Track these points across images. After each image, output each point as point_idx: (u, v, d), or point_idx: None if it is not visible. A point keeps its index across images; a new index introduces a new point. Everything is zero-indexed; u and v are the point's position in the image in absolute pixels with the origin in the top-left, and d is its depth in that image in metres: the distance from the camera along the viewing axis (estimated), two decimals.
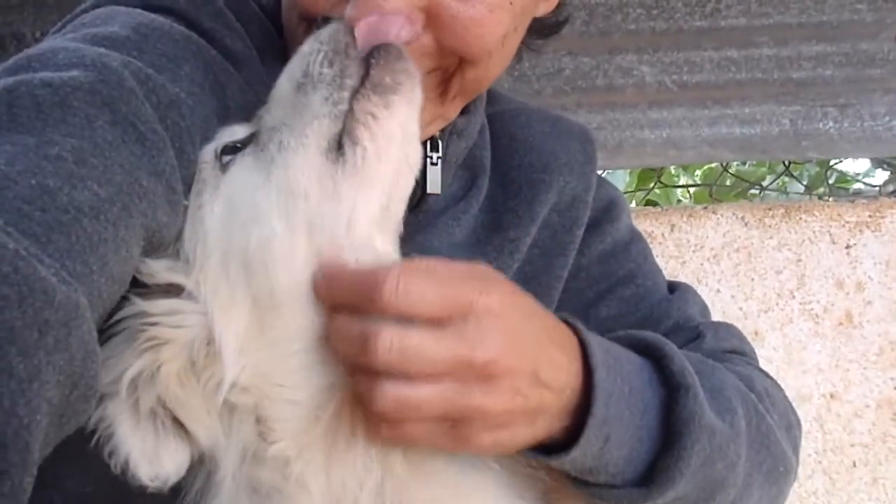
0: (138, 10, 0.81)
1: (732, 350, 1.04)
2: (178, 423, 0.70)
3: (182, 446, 0.70)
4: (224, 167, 0.76)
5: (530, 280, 1.06)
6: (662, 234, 1.88)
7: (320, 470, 0.72)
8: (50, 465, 0.50)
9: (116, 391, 0.67)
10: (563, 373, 0.76)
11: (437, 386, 0.68)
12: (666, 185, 2.45)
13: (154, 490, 0.68)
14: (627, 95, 1.98)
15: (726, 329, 1.07)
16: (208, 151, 0.78)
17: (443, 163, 1.01)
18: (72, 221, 0.55)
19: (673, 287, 1.12)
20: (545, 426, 0.76)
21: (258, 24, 0.93)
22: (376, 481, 0.73)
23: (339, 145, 0.74)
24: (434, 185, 0.99)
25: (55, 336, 0.49)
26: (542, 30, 1.02)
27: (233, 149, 0.77)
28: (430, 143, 0.99)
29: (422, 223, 1.00)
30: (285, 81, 0.79)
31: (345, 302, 0.70)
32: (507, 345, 0.70)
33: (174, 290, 0.72)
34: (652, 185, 2.41)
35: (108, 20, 0.78)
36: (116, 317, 0.69)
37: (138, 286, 0.70)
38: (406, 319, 0.66)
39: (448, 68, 0.88)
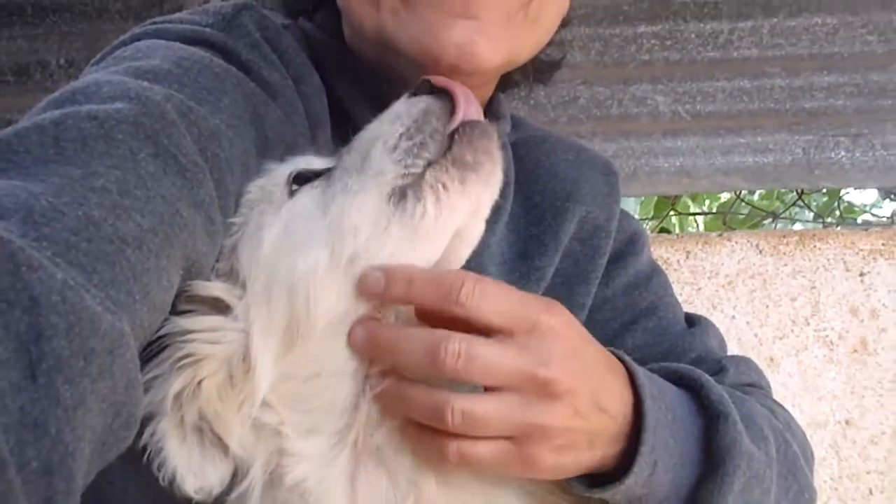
0: (178, 44, 0.82)
1: (751, 384, 1.06)
2: (220, 437, 0.72)
3: (225, 459, 0.72)
4: (292, 193, 0.78)
5: None
6: (678, 261, 1.90)
7: (342, 495, 0.74)
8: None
9: (164, 409, 0.69)
10: (617, 399, 0.79)
11: (501, 399, 0.71)
12: (680, 213, 2.47)
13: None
14: (642, 124, 2.00)
15: (745, 363, 1.09)
16: (281, 174, 0.80)
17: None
18: (116, 252, 0.56)
19: (691, 320, 1.14)
20: (602, 450, 0.78)
21: (293, 55, 0.95)
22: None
23: (402, 194, 0.75)
24: None
25: (100, 364, 0.49)
26: (541, 69, 1.09)
27: (305, 178, 0.79)
28: None
29: None
30: (368, 134, 0.80)
31: (422, 301, 0.73)
32: (569, 365, 0.73)
33: (217, 307, 0.74)
34: (667, 212, 2.42)
35: (149, 54, 0.79)
36: (158, 334, 0.70)
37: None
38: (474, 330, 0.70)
39: None
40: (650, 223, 2.53)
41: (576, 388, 0.73)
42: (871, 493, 1.86)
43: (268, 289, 0.74)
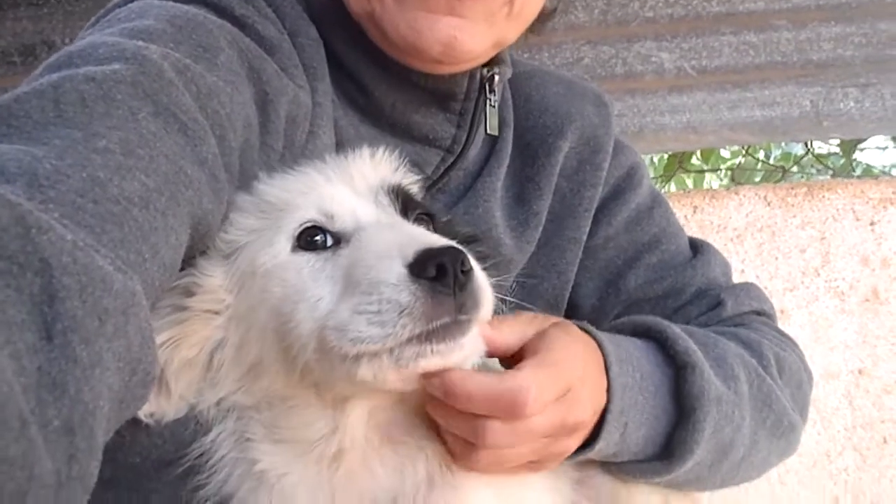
0: (171, 3, 0.82)
1: (753, 311, 1.09)
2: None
3: (181, 400, 0.76)
4: (295, 249, 0.77)
5: (544, 245, 1.11)
6: (685, 216, 1.89)
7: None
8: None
9: None
10: (598, 386, 0.85)
11: (529, 445, 0.78)
12: (688, 171, 2.45)
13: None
14: (647, 82, 1.99)
15: (745, 291, 1.11)
16: (301, 213, 0.79)
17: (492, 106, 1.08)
18: (123, 212, 0.57)
19: (695, 246, 1.15)
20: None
21: (289, 8, 0.95)
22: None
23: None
24: (493, 126, 1.08)
25: (114, 324, 0.50)
26: (540, 18, 1.08)
27: (314, 233, 0.78)
28: (487, 86, 1.05)
29: (462, 187, 1.06)
30: (369, 262, 0.73)
31: (478, 411, 0.75)
32: (587, 395, 0.82)
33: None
34: (674, 171, 2.41)
35: (142, 14, 0.79)
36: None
37: None
38: None
39: None
40: (660, 183, 2.51)
41: (589, 416, 0.82)
42: (885, 441, 1.86)
43: (248, 317, 0.77)
